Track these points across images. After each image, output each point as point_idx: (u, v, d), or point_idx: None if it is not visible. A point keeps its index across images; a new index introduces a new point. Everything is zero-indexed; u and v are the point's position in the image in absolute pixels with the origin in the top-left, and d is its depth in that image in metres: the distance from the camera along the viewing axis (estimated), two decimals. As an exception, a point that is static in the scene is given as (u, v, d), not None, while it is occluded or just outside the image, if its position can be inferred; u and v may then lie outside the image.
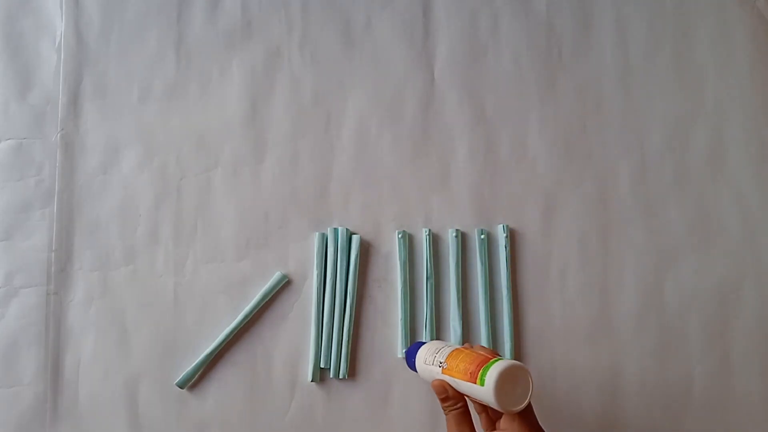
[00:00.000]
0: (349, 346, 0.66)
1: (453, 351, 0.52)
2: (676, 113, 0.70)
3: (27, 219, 0.68)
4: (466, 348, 0.53)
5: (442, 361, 0.52)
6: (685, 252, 0.68)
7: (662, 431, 0.65)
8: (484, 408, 0.53)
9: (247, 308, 0.66)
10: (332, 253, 0.67)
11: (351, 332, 0.66)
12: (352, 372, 0.66)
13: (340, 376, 0.65)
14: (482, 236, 0.67)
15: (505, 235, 0.67)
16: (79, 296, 0.67)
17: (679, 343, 0.66)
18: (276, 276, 0.67)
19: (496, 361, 0.47)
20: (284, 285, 0.67)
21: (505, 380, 0.46)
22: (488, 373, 0.46)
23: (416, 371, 0.56)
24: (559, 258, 0.68)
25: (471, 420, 0.51)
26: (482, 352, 0.51)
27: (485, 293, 0.67)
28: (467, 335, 0.66)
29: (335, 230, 0.67)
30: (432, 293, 0.66)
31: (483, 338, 0.66)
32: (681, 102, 0.71)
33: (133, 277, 0.67)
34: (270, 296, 0.67)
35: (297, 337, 0.66)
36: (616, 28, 0.72)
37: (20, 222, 0.68)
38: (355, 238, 0.67)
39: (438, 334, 0.66)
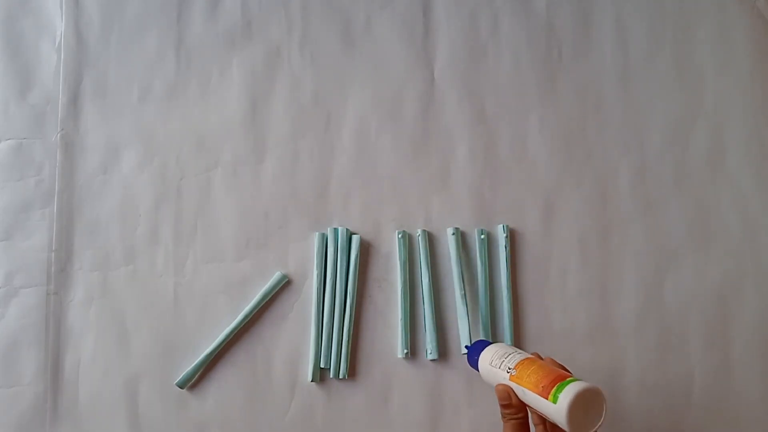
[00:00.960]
0: (349, 346, 0.66)
1: (524, 359, 0.51)
2: (676, 113, 0.70)
3: (27, 219, 0.68)
4: (536, 358, 0.52)
5: (511, 366, 0.51)
6: (685, 252, 0.68)
7: (662, 431, 0.65)
8: (542, 420, 0.51)
9: (247, 308, 0.66)
10: (332, 253, 0.67)
11: (351, 332, 0.66)
12: (352, 372, 0.66)
13: (340, 376, 0.65)
14: (482, 236, 0.67)
15: (505, 235, 0.67)
16: (79, 296, 0.67)
17: (679, 343, 0.66)
18: (276, 276, 0.67)
19: (573, 380, 0.46)
20: (284, 285, 0.67)
21: (580, 402, 0.45)
22: (563, 392, 0.45)
23: (476, 369, 0.56)
24: (559, 258, 0.68)
25: None
26: (554, 366, 0.50)
27: (485, 293, 0.67)
28: (467, 335, 0.66)
29: (335, 230, 0.67)
30: (431, 293, 0.66)
31: (483, 338, 0.66)
32: (681, 102, 0.71)
33: (133, 277, 0.67)
34: (270, 296, 0.67)
35: (297, 337, 0.66)
36: (616, 28, 0.72)
37: (20, 222, 0.68)
38: (355, 238, 0.67)
39: (438, 334, 0.66)
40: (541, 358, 0.53)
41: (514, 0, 0.72)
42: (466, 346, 0.61)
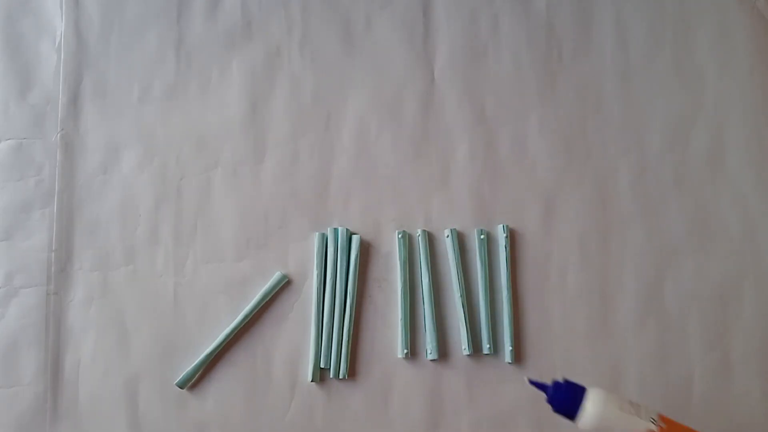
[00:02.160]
0: (349, 346, 0.66)
1: (659, 414, 0.50)
2: (676, 113, 0.70)
3: (27, 219, 0.68)
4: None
5: (654, 418, 0.49)
6: (685, 252, 0.68)
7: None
8: None
9: (247, 308, 0.66)
10: (332, 253, 0.67)
11: (351, 332, 0.66)
12: (352, 372, 0.66)
13: (340, 376, 0.65)
14: (482, 236, 0.67)
15: (505, 235, 0.67)
16: (79, 296, 0.67)
17: (679, 343, 0.66)
18: (276, 276, 0.67)
19: None
20: (284, 285, 0.67)
21: None
22: None
23: (565, 412, 0.49)
24: (559, 258, 0.68)
25: None
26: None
27: (485, 293, 0.67)
28: (467, 336, 0.66)
29: (335, 230, 0.67)
30: (431, 293, 0.66)
31: (483, 338, 0.66)
32: (681, 102, 0.71)
33: (133, 277, 0.67)
34: (270, 296, 0.67)
35: (297, 337, 0.66)
36: (616, 28, 0.72)
37: (20, 222, 0.68)
38: (355, 238, 0.67)
39: (438, 334, 0.66)
40: None
41: (514, 0, 0.72)
42: (543, 386, 0.50)
